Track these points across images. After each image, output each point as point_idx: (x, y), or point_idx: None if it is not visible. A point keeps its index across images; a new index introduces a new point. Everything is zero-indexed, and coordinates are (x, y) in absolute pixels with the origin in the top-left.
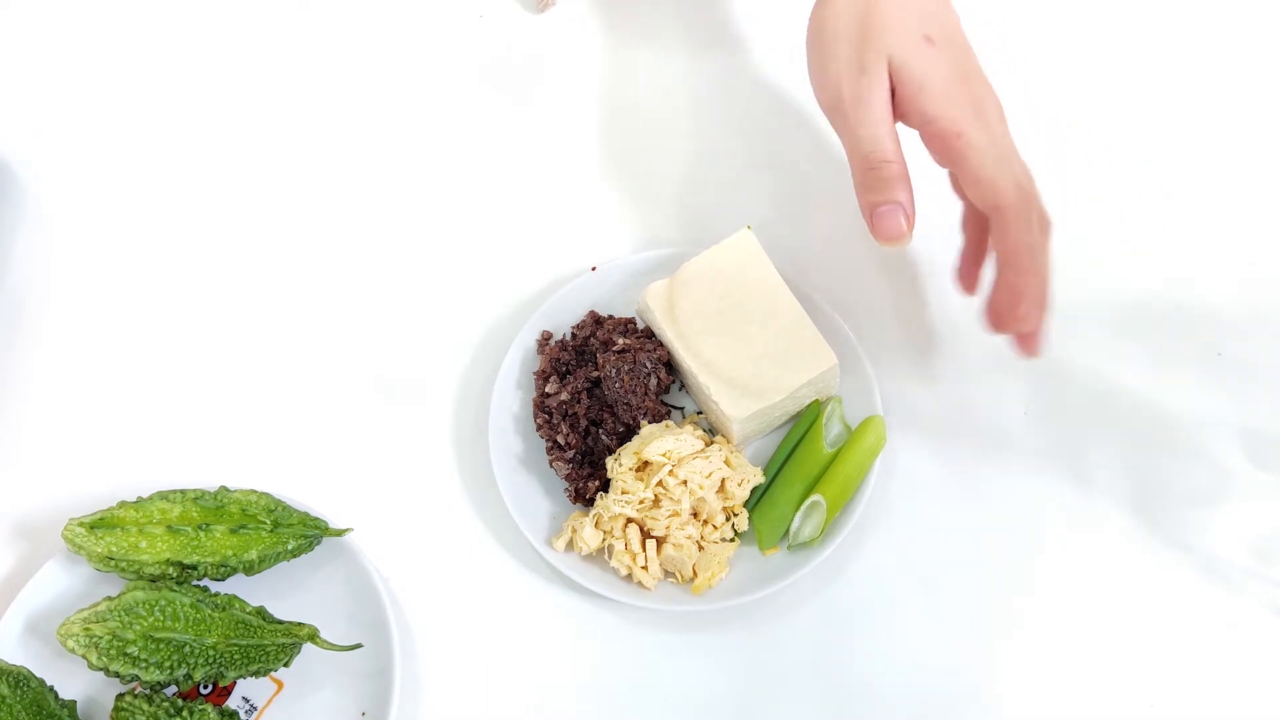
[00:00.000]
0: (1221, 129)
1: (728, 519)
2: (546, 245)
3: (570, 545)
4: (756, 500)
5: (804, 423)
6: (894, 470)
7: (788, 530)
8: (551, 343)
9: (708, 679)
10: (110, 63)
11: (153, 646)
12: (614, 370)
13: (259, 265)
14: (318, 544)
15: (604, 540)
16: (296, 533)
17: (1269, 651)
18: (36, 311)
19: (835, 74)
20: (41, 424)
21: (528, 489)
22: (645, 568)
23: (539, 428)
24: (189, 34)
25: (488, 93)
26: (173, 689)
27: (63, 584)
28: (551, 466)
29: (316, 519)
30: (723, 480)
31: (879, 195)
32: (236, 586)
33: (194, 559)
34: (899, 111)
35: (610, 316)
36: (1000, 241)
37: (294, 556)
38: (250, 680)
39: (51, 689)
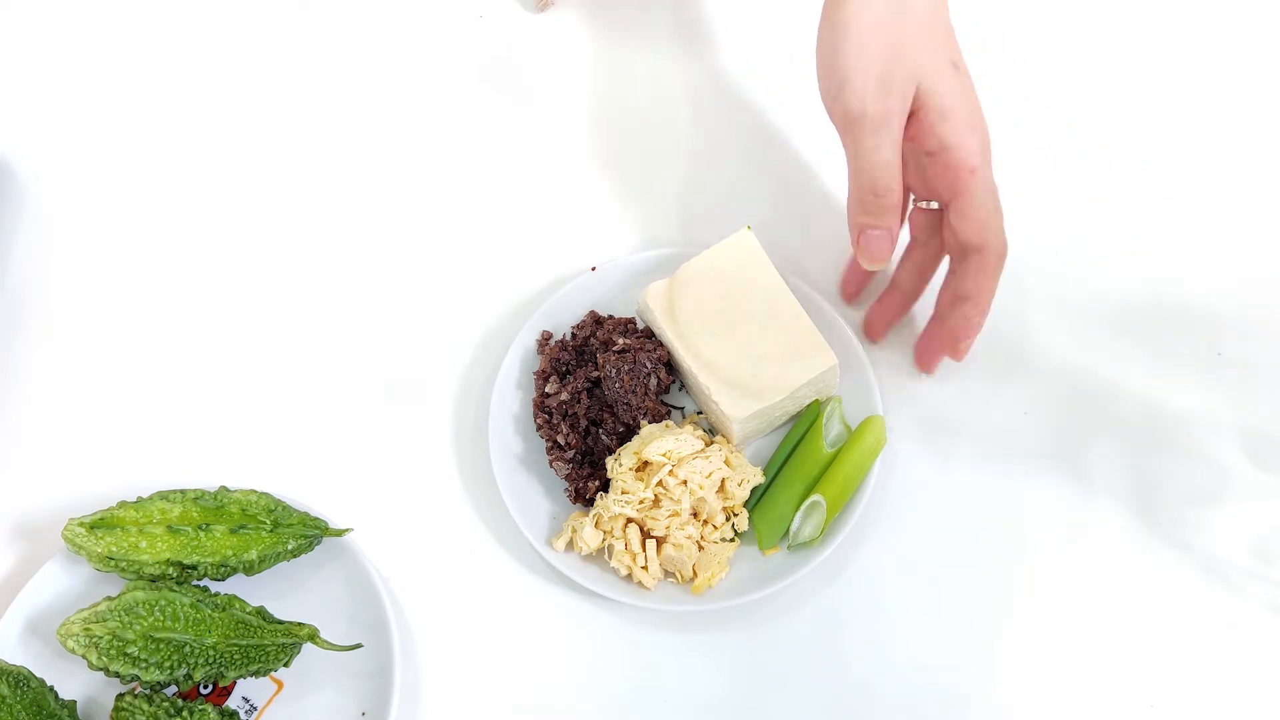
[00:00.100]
0: (1221, 129)
1: (728, 519)
2: (546, 245)
3: (570, 545)
4: (756, 500)
5: (804, 423)
6: (894, 470)
7: (788, 530)
8: (551, 343)
9: (708, 679)
10: (110, 63)
11: (153, 646)
12: (614, 370)
13: (258, 265)
14: (318, 544)
15: (604, 540)
16: (296, 533)
17: (1269, 651)
18: (36, 311)
19: (859, 87)
20: (41, 424)
21: (528, 489)
22: (645, 568)
23: (539, 428)
24: (189, 34)
25: (488, 93)
26: (173, 689)
27: (63, 584)
28: (551, 466)
29: (316, 519)
30: (723, 480)
31: (874, 220)
32: (236, 586)
33: (194, 559)
34: (913, 133)
35: (610, 316)
36: (970, 279)
37: (294, 556)
38: (250, 680)
39: (51, 689)
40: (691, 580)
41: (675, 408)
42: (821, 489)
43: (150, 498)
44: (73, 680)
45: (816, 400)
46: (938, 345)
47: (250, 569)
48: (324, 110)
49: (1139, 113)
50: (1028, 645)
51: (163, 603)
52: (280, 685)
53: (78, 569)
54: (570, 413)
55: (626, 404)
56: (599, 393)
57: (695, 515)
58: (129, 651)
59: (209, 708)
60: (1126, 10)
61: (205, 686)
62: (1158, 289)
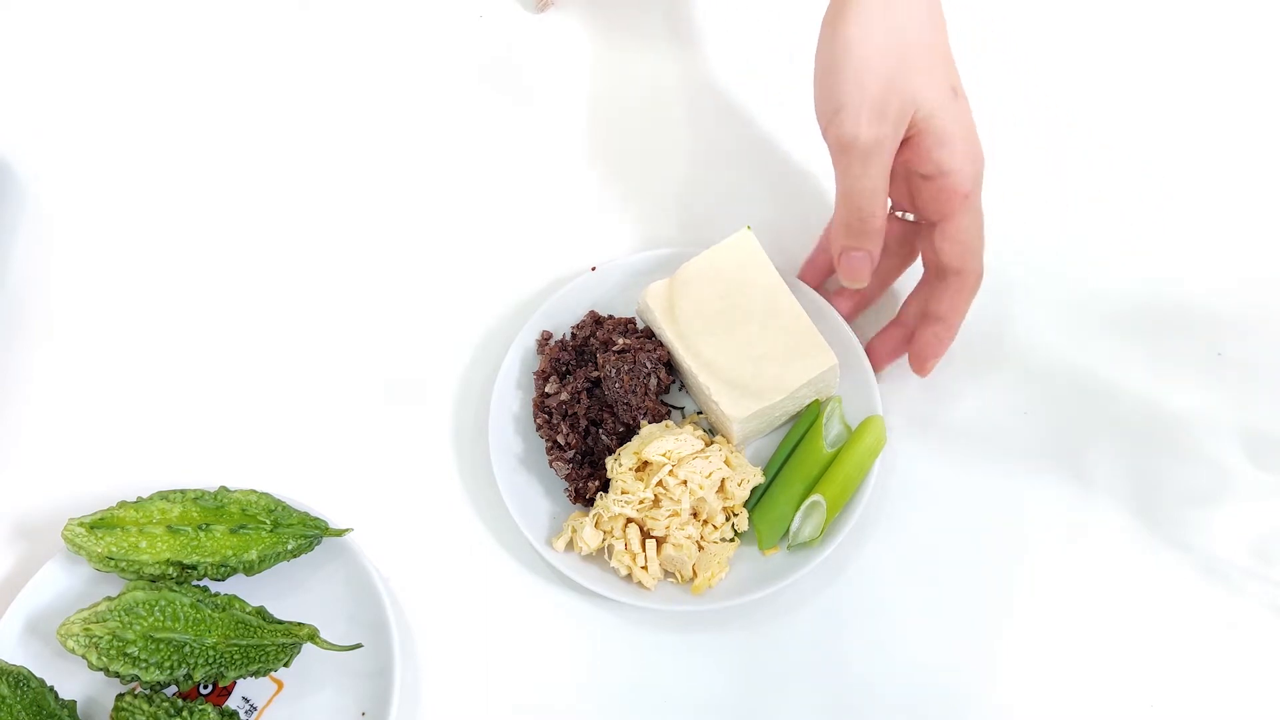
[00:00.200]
0: (1221, 129)
1: (728, 519)
2: (546, 245)
3: (570, 545)
4: (756, 500)
5: (804, 423)
6: (894, 470)
7: (788, 530)
8: (551, 343)
9: (708, 679)
10: (110, 63)
11: (153, 646)
12: (614, 370)
13: (258, 265)
14: (318, 544)
15: (604, 540)
16: (296, 533)
17: (1269, 651)
18: (36, 311)
19: (854, 113)
20: (41, 424)
21: (528, 489)
22: (645, 568)
23: (539, 428)
24: (189, 34)
25: (488, 93)
26: (173, 689)
27: (63, 584)
28: (551, 466)
29: (316, 519)
30: (723, 480)
31: (856, 243)
32: (236, 586)
33: (194, 559)
34: (909, 156)
35: (610, 316)
36: (945, 301)
37: (294, 556)
38: (250, 680)
39: (51, 689)
40: (691, 580)
41: (675, 408)
42: (821, 489)
43: (150, 498)
44: (73, 680)
45: (816, 400)
46: (893, 348)
47: (250, 569)
48: (324, 110)
49: (1139, 113)
50: (1028, 645)
51: (163, 603)
52: (280, 685)
53: (78, 569)
54: (570, 413)
55: (626, 404)
56: (599, 393)
57: (695, 515)
58: (129, 651)
59: (209, 708)
60: (1126, 10)
61: (205, 686)
62: (1158, 289)
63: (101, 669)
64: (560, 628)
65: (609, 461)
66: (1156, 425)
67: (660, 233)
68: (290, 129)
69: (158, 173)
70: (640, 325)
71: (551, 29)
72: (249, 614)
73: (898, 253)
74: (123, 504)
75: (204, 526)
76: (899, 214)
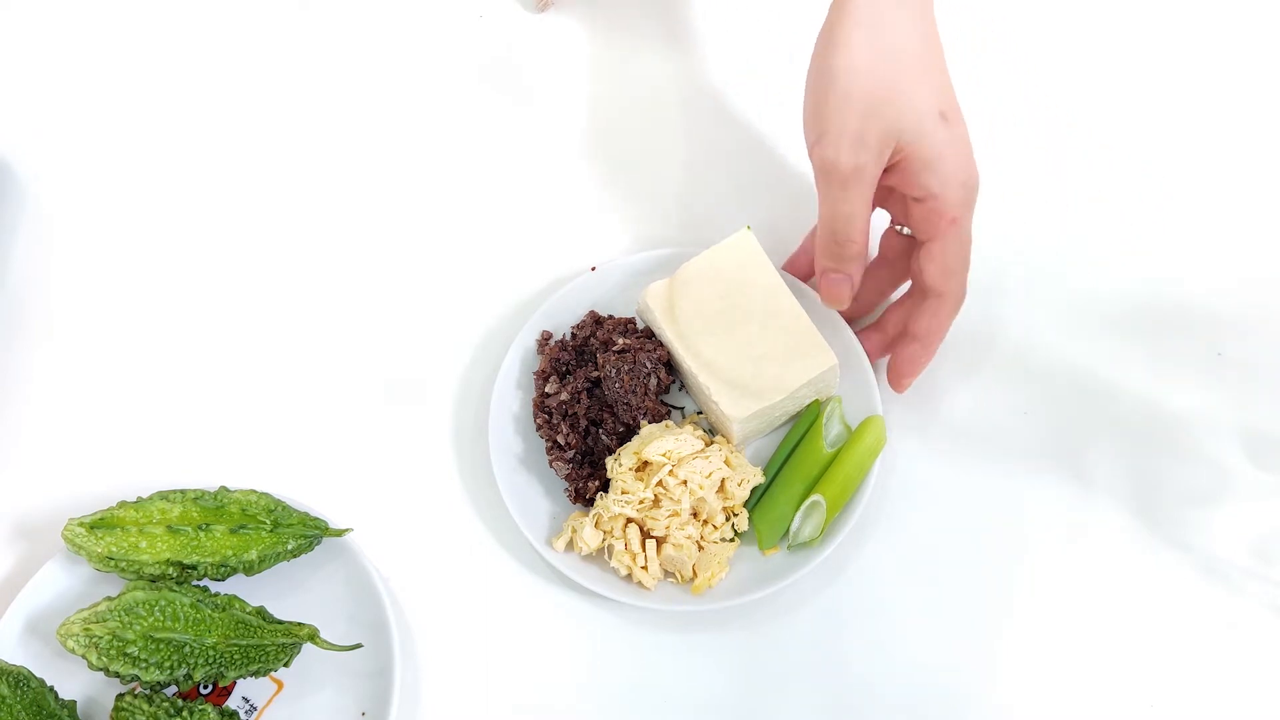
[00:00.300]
0: (1221, 129)
1: (728, 519)
2: (546, 245)
3: (570, 545)
4: (756, 500)
5: (804, 423)
6: (894, 470)
7: (788, 530)
8: (551, 343)
9: (708, 679)
10: (110, 63)
11: (153, 646)
12: (614, 370)
13: (258, 265)
14: (318, 544)
15: (604, 540)
16: (296, 533)
17: (1269, 651)
18: (36, 311)
19: (834, 140)
20: (41, 424)
21: (528, 489)
22: (645, 568)
23: (539, 428)
24: (189, 34)
25: (488, 93)
26: (173, 689)
27: (63, 584)
28: (551, 466)
29: (316, 519)
30: (723, 480)
31: (834, 265)
32: (236, 586)
33: (194, 559)
34: (898, 180)
35: (610, 316)
36: (924, 321)
37: (294, 556)
38: (250, 680)
39: (51, 689)
40: (691, 580)
41: (675, 408)
42: (821, 489)
43: (150, 498)
44: (73, 680)
45: (816, 400)
46: (870, 352)
47: (250, 569)
48: (324, 110)
49: (1139, 113)
50: (1028, 645)
51: (163, 603)
52: (280, 685)
53: (78, 569)
54: (570, 413)
55: (626, 404)
56: (599, 393)
57: (695, 515)
58: (129, 651)
59: (209, 708)
60: (1126, 10)
61: (205, 686)
62: (1158, 289)
63: (101, 669)
64: (560, 628)
65: (609, 461)
66: (1156, 425)
67: (660, 233)
68: (290, 129)
69: (158, 173)
70: (640, 325)
71: (551, 29)
72: (249, 614)
73: (896, 265)
74: (123, 504)
75: (204, 526)
76: (898, 228)
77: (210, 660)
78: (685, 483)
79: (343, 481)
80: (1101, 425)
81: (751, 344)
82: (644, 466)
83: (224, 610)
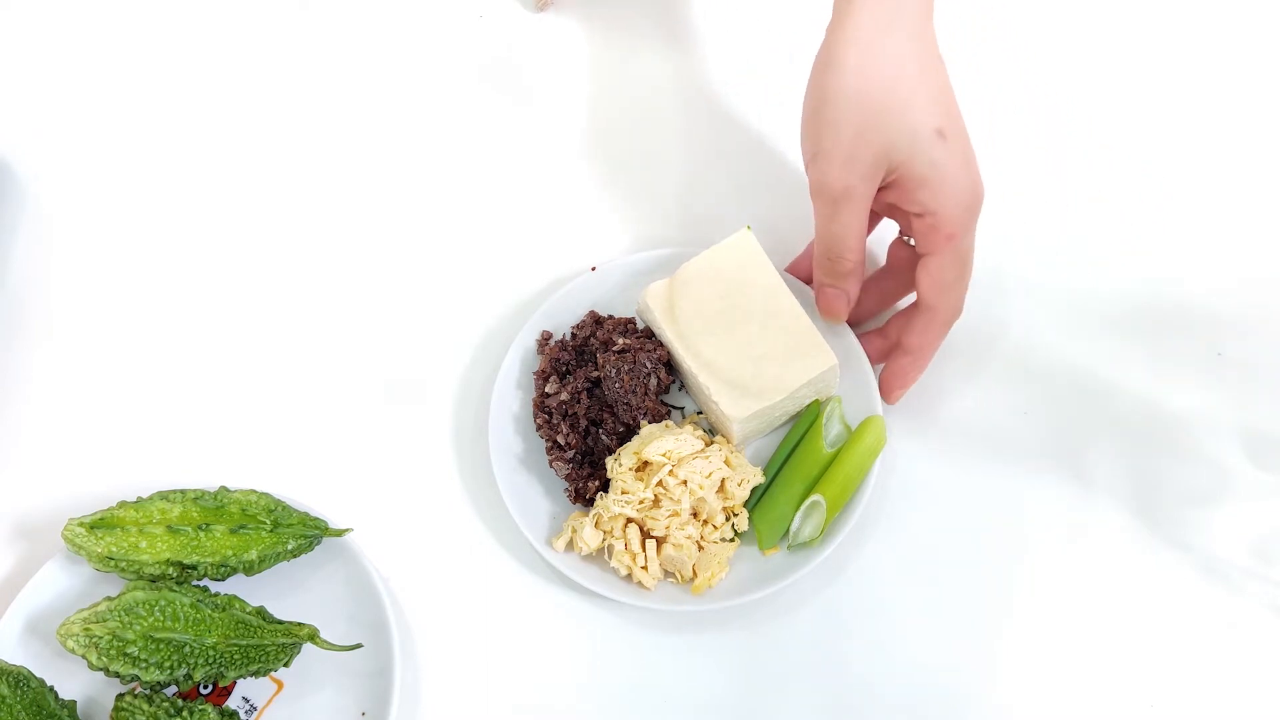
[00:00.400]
0: (1221, 129)
1: (728, 519)
2: (546, 245)
3: (570, 545)
4: (756, 500)
5: (804, 423)
6: (894, 470)
7: (788, 530)
8: (551, 343)
9: (708, 679)
10: (110, 63)
11: (153, 646)
12: (614, 370)
13: (258, 265)
14: (318, 544)
15: (604, 540)
16: (296, 533)
17: (1269, 651)
18: (36, 311)
19: (826, 159)
20: (41, 424)
21: (528, 489)
22: (645, 568)
23: (539, 428)
24: (189, 34)
25: (488, 93)
26: (173, 689)
27: (63, 584)
28: (551, 466)
29: (316, 519)
30: (723, 480)
31: (830, 280)
32: (236, 586)
33: (194, 559)
34: (896, 197)
35: (610, 316)
36: (915, 334)
37: (294, 556)
38: (250, 680)
39: (51, 689)
40: (691, 580)
41: (675, 408)
42: (821, 489)
43: (150, 498)
44: (73, 680)
45: (816, 400)
46: (870, 355)
47: (250, 569)
48: (324, 110)
49: (1139, 113)
50: (1028, 645)
51: (163, 603)
52: (280, 685)
53: (78, 569)
54: (570, 413)
55: (626, 404)
56: (599, 393)
57: (695, 515)
58: (129, 651)
59: (209, 708)
60: (1126, 10)
61: (205, 686)
62: (1158, 289)
63: (101, 669)
64: (560, 628)
65: (609, 461)
66: (1156, 425)
67: (660, 233)
68: (290, 129)
69: (158, 173)
70: (640, 325)
71: (551, 29)
72: (249, 614)
73: (903, 275)
74: (123, 504)
75: (204, 526)
76: (905, 239)
77: (210, 660)
78: (685, 483)
79: (343, 481)
80: (1101, 425)
81: (751, 344)
82: (644, 466)
83: (224, 610)
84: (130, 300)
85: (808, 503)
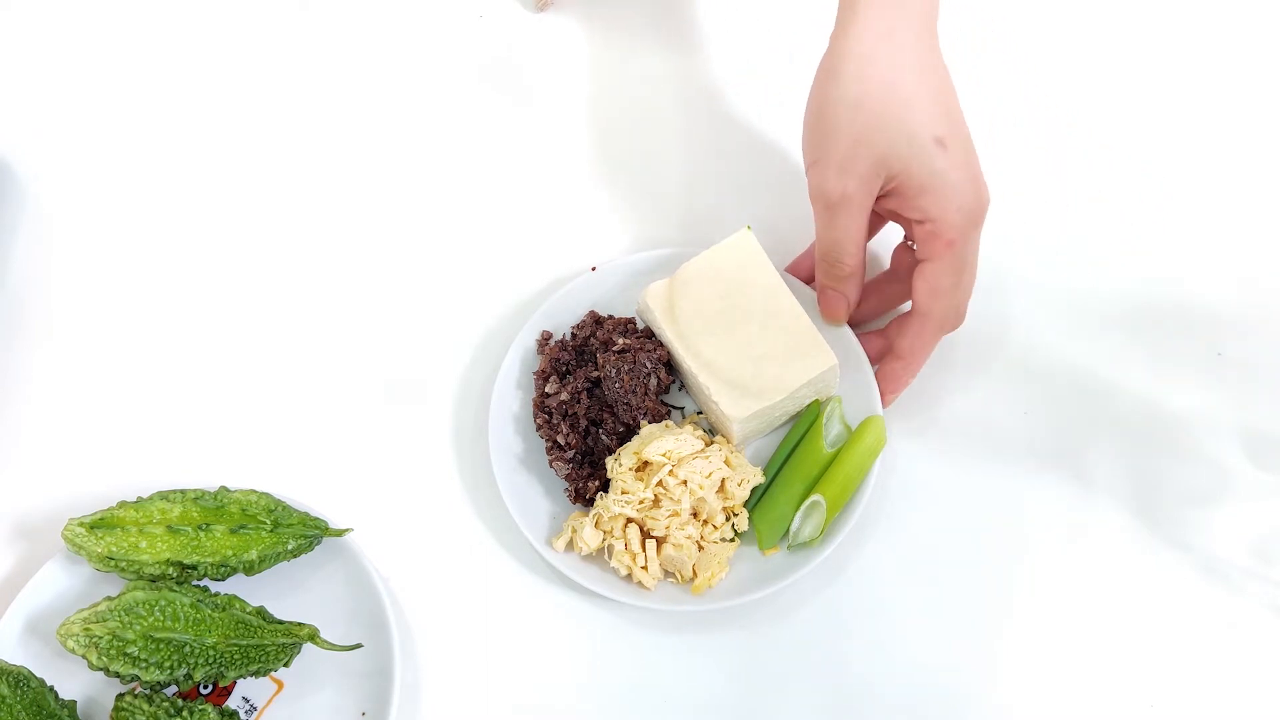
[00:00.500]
0: (1221, 129)
1: (728, 519)
2: (546, 245)
3: (570, 545)
4: (756, 500)
5: (804, 423)
6: (894, 470)
7: (788, 530)
8: (551, 343)
9: (707, 679)
10: (110, 63)
11: (153, 646)
12: (614, 370)
13: (258, 265)
14: (318, 544)
15: (604, 540)
16: (296, 533)
17: (1269, 651)
18: (36, 311)
19: (822, 167)
20: (41, 424)
21: (528, 489)
22: (645, 568)
23: (539, 428)
24: (189, 34)
25: (488, 93)
26: (173, 689)
27: (63, 584)
28: (551, 466)
29: (316, 519)
30: (723, 480)
31: (829, 283)
32: (236, 586)
33: (194, 559)
34: (895, 203)
35: (610, 316)
36: (907, 339)
37: (294, 556)
38: (250, 680)
39: (51, 689)
40: (691, 580)
41: (675, 408)
42: (821, 489)
43: (150, 498)
44: (73, 680)
45: (816, 400)
46: (873, 354)
47: (250, 569)
48: (324, 110)
49: (1139, 113)
50: (1028, 645)
51: (163, 603)
52: (280, 685)
53: (78, 569)
54: (570, 413)
55: (626, 404)
56: (599, 393)
57: (695, 515)
58: (129, 651)
59: (209, 708)
60: (1126, 10)
61: (205, 686)
62: (1158, 289)
63: (101, 669)
64: (560, 628)
65: (609, 461)
66: (1156, 425)
67: (660, 233)
68: (290, 129)
69: (158, 173)
70: (640, 325)
71: (551, 29)
72: (249, 614)
73: (905, 279)
74: (123, 504)
75: (204, 526)
76: (909, 243)
77: (210, 660)
78: (685, 483)
79: (343, 481)
80: (1101, 425)
81: (751, 344)
82: (644, 466)
83: (224, 610)
84: (130, 300)
85: (808, 503)
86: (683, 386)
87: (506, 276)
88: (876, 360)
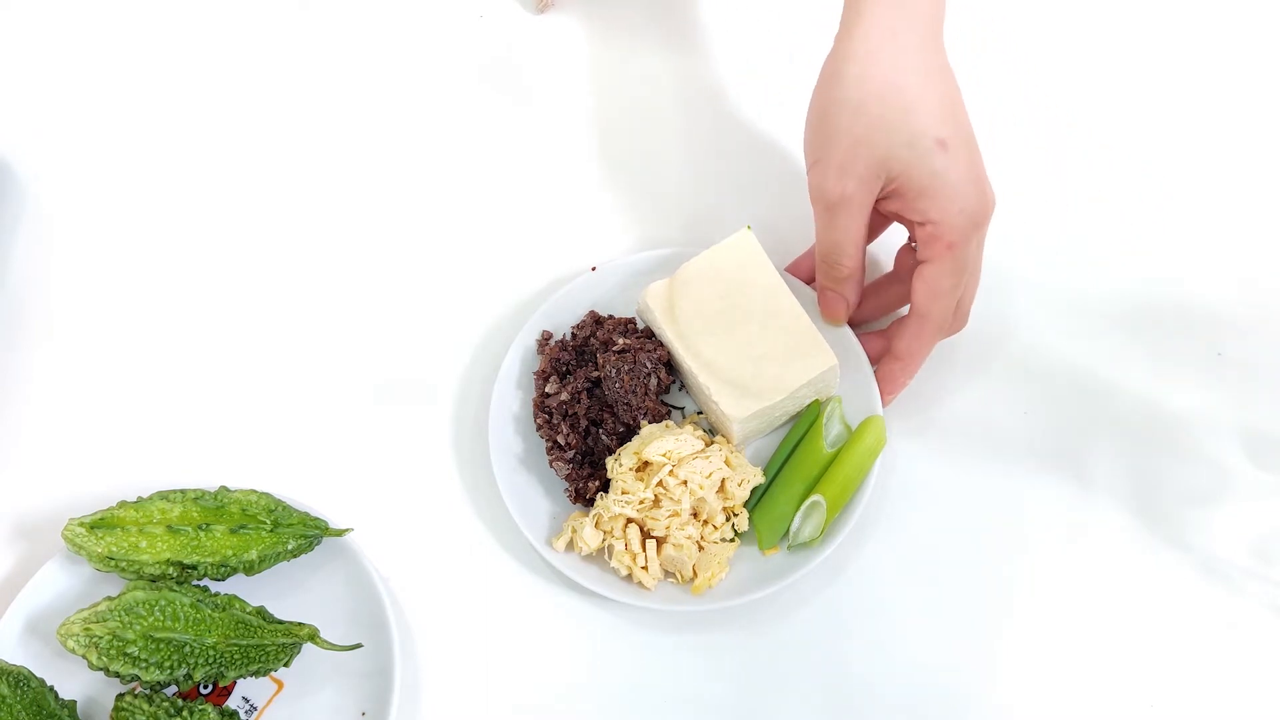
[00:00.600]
0: (1221, 129)
1: (728, 519)
2: (546, 245)
3: (570, 545)
4: (756, 500)
5: (804, 423)
6: (894, 470)
7: (788, 530)
8: (551, 343)
9: (708, 679)
10: (110, 63)
11: (153, 646)
12: (614, 370)
13: (259, 265)
14: (318, 544)
15: (604, 540)
16: (296, 533)
17: (1269, 651)
18: (36, 311)
19: (822, 168)
20: (41, 424)
21: (528, 489)
22: (645, 568)
23: (539, 428)
24: (189, 34)
25: (488, 93)
26: (173, 689)
27: (63, 584)
28: (551, 466)
29: (316, 519)
30: (723, 480)
31: (829, 284)
32: (236, 586)
33: (194, 559)
34: (896, 205)
35: (610, 316)
36: (905, 340)
37: (294, 556)
38: (250, 680)
39: (51, 689)
40: (691, 580)
41: (675, 408)
42: (821, 489)
43: (150, 498)
44: (73, 680)
45: (816, 400)
46: (873, 354)
47: (250, 569)
48: (324, 110)
49: (1139, 113)
50: (1028, 645)
51: (163, 603)
52: (280, 685)
53: (78, 569)
54: (570, 413)
55: (626, 404)
56: (599, 393)
57: (695, 515)
58: (129, 651)
59: (209, 708)
60: (1126, 10)
61: (205, 686)
62: (1158, 289)
63: (101, 669)
64: (560, 628)
65: (609, 461)
66: (1156, 425)
67: (660, 233)
68: (290, 129)
69: (158, 173)
70: (640, 325)
71: (551, 29)
72: (249, 614)
73: (907, 281)
74: (123, 504)
75: (204, 526)
76: (912, 245)
77: (210, 660)
78: (685, 483)
79: (343, 481)
80: (1101, 425)
81: (751, 344)
82: (644, 466)
83: (224, 610)
84: (130, 300)
85: (808, 503)
86: (683, 386)
87: (506, 276)
88: (876, 360)
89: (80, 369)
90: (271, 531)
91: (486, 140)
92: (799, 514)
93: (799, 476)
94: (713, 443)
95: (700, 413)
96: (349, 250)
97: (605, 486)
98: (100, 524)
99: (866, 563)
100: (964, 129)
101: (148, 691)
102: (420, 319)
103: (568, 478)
